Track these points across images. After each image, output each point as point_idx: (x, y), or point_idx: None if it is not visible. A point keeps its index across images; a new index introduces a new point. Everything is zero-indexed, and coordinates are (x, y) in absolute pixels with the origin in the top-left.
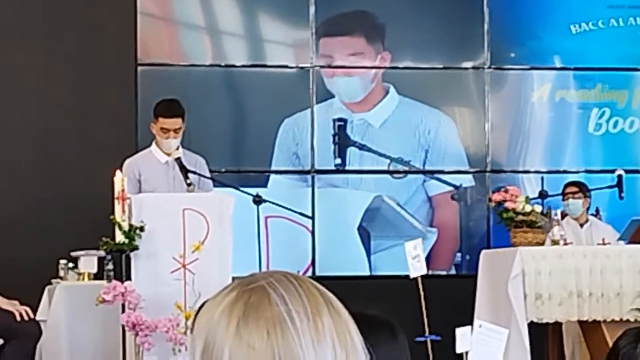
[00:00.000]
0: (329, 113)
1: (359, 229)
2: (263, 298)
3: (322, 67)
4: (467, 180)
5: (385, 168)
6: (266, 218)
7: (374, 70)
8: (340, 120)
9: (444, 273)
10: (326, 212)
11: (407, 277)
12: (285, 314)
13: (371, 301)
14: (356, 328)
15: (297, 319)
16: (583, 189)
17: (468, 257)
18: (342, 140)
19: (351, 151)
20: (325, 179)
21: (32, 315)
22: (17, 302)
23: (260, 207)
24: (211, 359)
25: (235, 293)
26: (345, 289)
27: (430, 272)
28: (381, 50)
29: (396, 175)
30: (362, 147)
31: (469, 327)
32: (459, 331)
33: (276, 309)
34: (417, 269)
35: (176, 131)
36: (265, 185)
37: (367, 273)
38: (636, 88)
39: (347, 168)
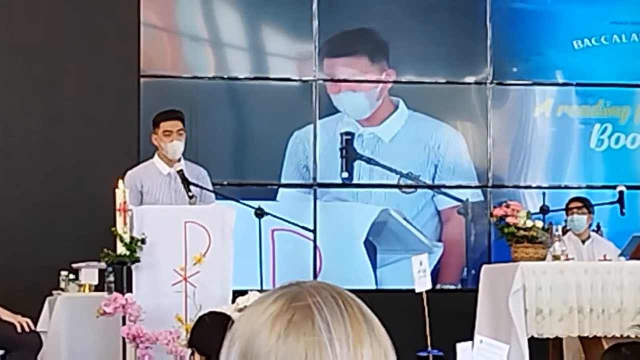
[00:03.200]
0: (338, 126)
1: (365, 242)
2: (307, 318)
3: (325, 80)
4: (475, 195)
5: (392, 182)
6: (272, 231)
7: (379, 87)
8: (347, 133)
9: (452, 287)
10: (332, 225)
11: (413, 290)
12: (327, 340)
13: (376, 315)
14: (394, 357)
15: (337, 347)
16: (587, 205)
17: (473, 272)
18: (349, 154)
19: (360, 165)
20: (333, 192)
21: (32, 327)
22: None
23: (266, 219)
24: None
25: (280, 304)
26: None
27: (439, 286)
28: (385, 68)
29: (405, 190)
30: (369, 161)
31: (470, 342)
32: (460, 346)
33: (318, 333)
34: (423, 284)
35: (179, 132)
36: (274, 198)
37: (372, 286)
38: (638, 104)
39: (355, 181)
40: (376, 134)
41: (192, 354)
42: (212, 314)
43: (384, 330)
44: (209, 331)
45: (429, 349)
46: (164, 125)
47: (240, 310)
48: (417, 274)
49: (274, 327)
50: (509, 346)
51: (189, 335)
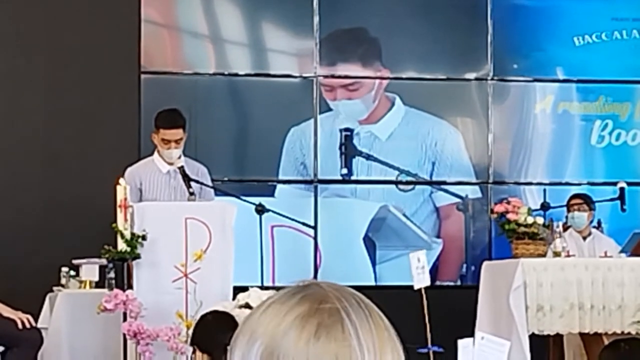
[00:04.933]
0: (335, 122)
1: (364, 238)
2: (337, 323)
3: (325, 76)
4: (473, 191)
5: (390, 178)
6: (272, 227)
7: (374, 90)
8: (346, 130)
9: (451, 284)
10: (331, 222)
11: (412, 287)
12: (356, 344)
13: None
14: None
15: (365, 351)
16: (588, 201)
17: (473, 268)
18: (348, 150)
19: (359, 161)
20: (332, 189)
21: (33, 323)
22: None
23: (266, 216)
24: None
25: (308, 306)
26: None
27: (438, 283)
28: (382, 66)
29: (403, 187)
30: (368, 157)
31: (471, 339)
32: (461, 343)
33: (348, 337)
34: (421, 280)
35: (177, 142)
36: (272, 194)
37: (371, 283)
38: (639, 100)
39: (354, 178)
40: (373, 132)
41: (194, 352)
42: (214, 312)
43: (397, 337)
44: (212, 330)
45: (429, 345)
46: (163, 133)
47: (241, 306)
48: (415, 271)
49: (303, 329)
50: (510, 343)
51: (191, 334)
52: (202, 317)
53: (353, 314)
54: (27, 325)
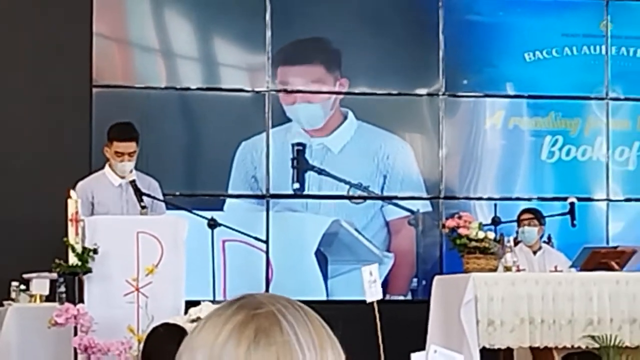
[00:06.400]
0: (287, 137)
1: (316, 253)
2: (274, 325)
3: (277, 91)
4: (424, 205)
5: (342, 193)
6: (223, 241)
7: (333, 97)
8: (299, 144)
9: (401, 298)
10: (283, 236)
11: (364, 301)
12: (296, 344)
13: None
14: None
15: (306, 350)
16: (538, 216)
17: (423, 282)
18: (300, 164)
19: (310, 175)
20: (283, 203)
21: None
22: None
23: (217, 230)
24: None
25: (243, 315)
26: None
27: (388, 297)
28: (339, 77)
29: (354, 200)
30: (320, 172)
31: (424, 352)
32: (414, 356)
33: (287, 338)
34: (373, 294)
35: (130, 154)
36: (221, 209)
37: (323, 297)
38: (589, 116)
39: (305, 192)
40: (325, 144)
41: None
42: (165, 325)
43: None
44: (163, 342)
45: (382, 359)
46: (117, 146)
47: (193, 321)
48: (367, 284)
49: (242, 335)
50: (462, 356)
51: (142, 346)
52: (154, 329)
53: (289, 315)
54: None
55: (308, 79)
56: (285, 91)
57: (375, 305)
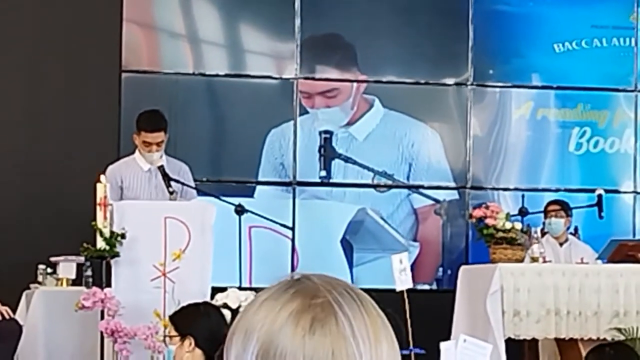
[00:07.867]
0: (314, 125)
1: (341, 241)
2: (329, 316)
3: (305, 78)
4: (449, 195)
5: (368, 181)
6: (249, 228)
7: (352, 97)
8: (326, 132)
9: (427, 287)
10: (309, 224)
11: (390, 290)
12: (351, 336)
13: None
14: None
15: (360, 342)
16: (565, 208)
17: (449, 272)
18: (327, 152)
19: (336, 163)
20: (310, 191)
21: (12, 314)
22: None
23: (244, 216)
24: None
25: (299, 302)
26: None
27: (413, 286)
28: (357, 73)
29: (380, 189)
30: (347, 160)
31: (453, 341)
32: (443, 345)
33: (342, 329)
34: (403, 282)
35: (158, 144)
36: (251, 195)
37: None
38: (617, 108)
39: (332, 180)
40: (350, 132)
41: (170, 333)
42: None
43: (390, 325)
44: (195, 313)
45: (411, 347)
46: (145, 136)
47: (219, 307)
48: (397, 272)
49: (298, 325)
50: (492, 346)
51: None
52: (191, 304)
53: (345, 306)
54: (7, 317)
55: (334, 72)
56: (314, 79)
57: (405, 293)
